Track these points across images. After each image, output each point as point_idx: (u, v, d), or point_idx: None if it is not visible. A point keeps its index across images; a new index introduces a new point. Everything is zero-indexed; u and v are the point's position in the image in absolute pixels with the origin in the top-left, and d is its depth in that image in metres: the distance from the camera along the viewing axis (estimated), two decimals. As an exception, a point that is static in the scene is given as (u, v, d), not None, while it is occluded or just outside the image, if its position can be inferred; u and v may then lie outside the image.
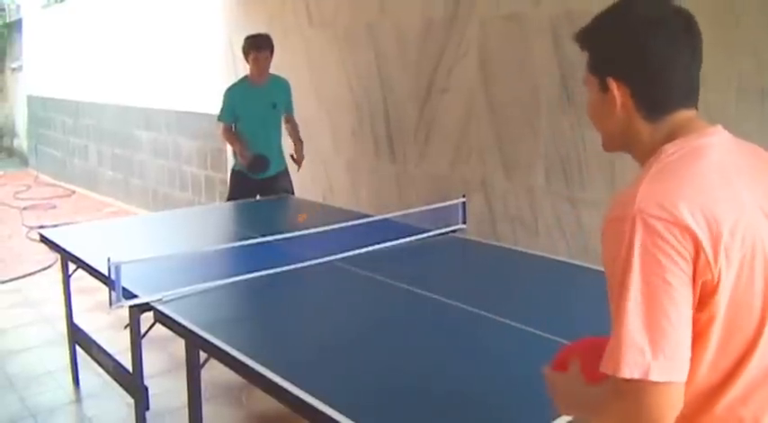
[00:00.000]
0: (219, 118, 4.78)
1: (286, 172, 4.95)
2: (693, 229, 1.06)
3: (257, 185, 4.73)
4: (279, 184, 4.83)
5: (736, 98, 2.99)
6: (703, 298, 1.09)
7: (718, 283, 1.08)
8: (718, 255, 1.07)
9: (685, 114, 1.23)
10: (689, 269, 1.07)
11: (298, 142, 4.88)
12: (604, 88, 1.28)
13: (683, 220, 1.07)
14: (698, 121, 1.24)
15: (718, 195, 1.11)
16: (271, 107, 4.76)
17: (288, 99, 4.94)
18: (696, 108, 1.26)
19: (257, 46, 4.68)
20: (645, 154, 1.24)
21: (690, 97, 1.25)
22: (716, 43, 3.07)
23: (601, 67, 1.30)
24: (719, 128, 1.24)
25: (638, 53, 1.21)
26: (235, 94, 4.74)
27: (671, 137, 1.20)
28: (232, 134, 4.76)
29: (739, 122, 3.09)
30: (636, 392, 1.07)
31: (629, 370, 1.06)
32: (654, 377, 1.05)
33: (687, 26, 1.23)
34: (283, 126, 4.97)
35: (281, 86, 4.90)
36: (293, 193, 4.90)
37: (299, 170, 4.88)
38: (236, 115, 4.72)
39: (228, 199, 4.87)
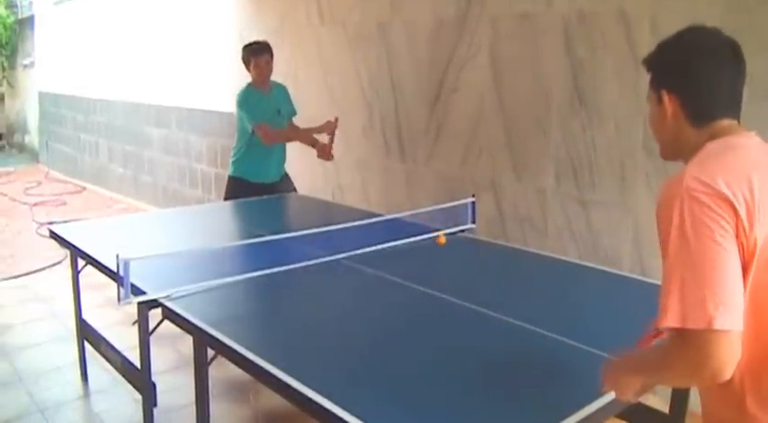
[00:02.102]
0: (254, 120, 4.55)
1: (288, 178, 4.91)
2: (731, 200, 1.26)
3: (258, 192, 4.61)
4: (283, 188, 4.79)
5: (746, 98, 2.96)
6: (744, 264, 1.27)
7: (754, 249, 1.27)
8: (753, 225, 1.26)
9: (727, 122, 1.46)
10: (733, 232, 1.26)
11: (331, 129, 4.71)
12: (660, 101, 1.49)
13: (722, 193, 1.27)
14: (738, 127, 1.48)
15: (751, 178, 1.30)
16: (276, 114, 4.73)
17: (290, 104, 4.92)
18: (738, 118, 1.49)
19: (256, 51, 4.65)
20: (689, 157, 1.43)
21: (732, 108, 1.49)
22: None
23: (657, 83, 1.51)
24: (754, 133, 1.49)
25: (684, 70, 1.46)
26: (251, 97, 4.62)
27: (713, 138, 1.42)
28: (280, 129, 4.68)
29: (749, 123, 3.07)
30: (700, 342, 1.21)
31: (694, 321, 1.21)
32: (717, 326, 1.19)
33: (733, 51, 1.49)
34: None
35: (282, 92, 4.89)
36: None
37: (329, 159, 4.75)
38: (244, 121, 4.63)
39: None
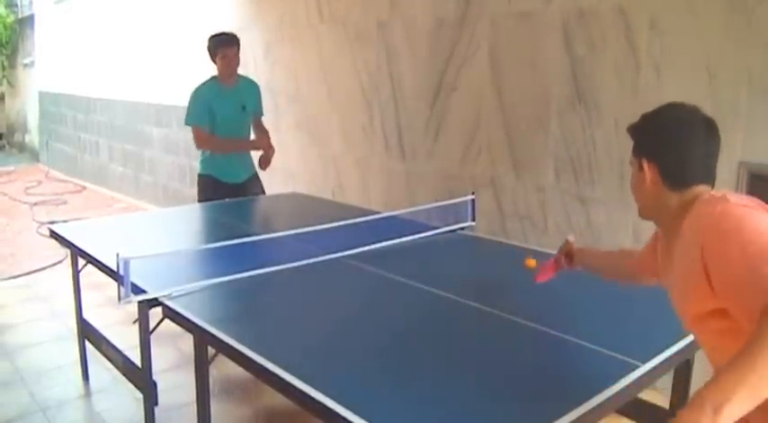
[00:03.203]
0: (189, 121, 4.42)
1: (257, 177, 4.72)
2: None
3: (227, 191, 4.50)
4: (249, 190, 4.62)
5: (747, 95, 2.97)
6: None
7: None
8: None
9: (703, 188, 1.59)
10: None
11: (269, 148, 4.59)
12: (641, 167, 1.64)
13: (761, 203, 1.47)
14: (712, 191, 1.58)
15: None
16: (241, 109, 4.52)
17: (258, 101, 4.71)
18: (713, 185, 1.61)
19: (225, 42, 4.39)
20: (670, 216, 1.61)
21: (707, 177, 1.61)
22: (727, 40, 3.06)
23: (638, 151, 1.66)
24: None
25: (663, 140, 1.60)
26: (206, 94, 4.43)
27: (691, 202, 1.55)
28: (211, 136, 4.43)
29: (749, 119, 3.08)
30: None
31: None
32: None
33: (708, 127, 1.59)
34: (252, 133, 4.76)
35: (251, 88, 4.67)
36: None
37: (264, 169, 4.61)
38: (211, 117, 4.41)
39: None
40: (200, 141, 4.46)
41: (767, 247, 1.33)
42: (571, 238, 2.28)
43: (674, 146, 1.59)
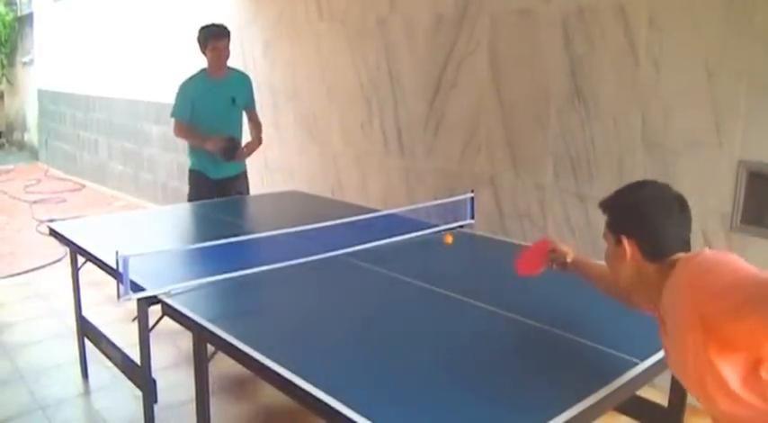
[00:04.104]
0: (173, 114, 4.50)
1: (245, 174, 4.73)
2: None
3: (216, 186, 4.52)
4: (237, 186, 4.64)
5: (746, 92, 2.97)
6: None
7: None
8: None
9: (680, 254, 1.66)
10: None
11: (256, 140, 4.65)
12: (618, 242, 1.72)
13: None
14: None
15: None
16: (230, 102, 4.50)
17: (249, 94, 4.68)
18: (688, 250, 1.69)
19: (216, 34, 4.35)
20: (651, 286, 1.68)
21: (683, 246, 1.68)
22: (726, 37, 3.06)
23: (616, 228, 1.73)
24: None
25: (639, 217, 1.69)
26: (192, 88, 4.44)
27: (671, 266, 1.62)
28: (188, 129, 4.49)
29: (748, 117, 3.08)
30: None
31: None
32: None
33: (681, 204, 1.69)
34: (246, 125, 4.75)
35: (242, 80, 4.65)
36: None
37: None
38: (194, 111, 4.44)
39: (190, 201, 4.58)
40: (175, 131, 4.58)
41: (750, 276, 1.45)
42: (569, 255, 2.25)
43: (651, 223, 1.67)
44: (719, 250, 1.63)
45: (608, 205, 1.78)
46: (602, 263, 1.89)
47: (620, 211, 1.74)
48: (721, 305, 1.44)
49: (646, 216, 1.68)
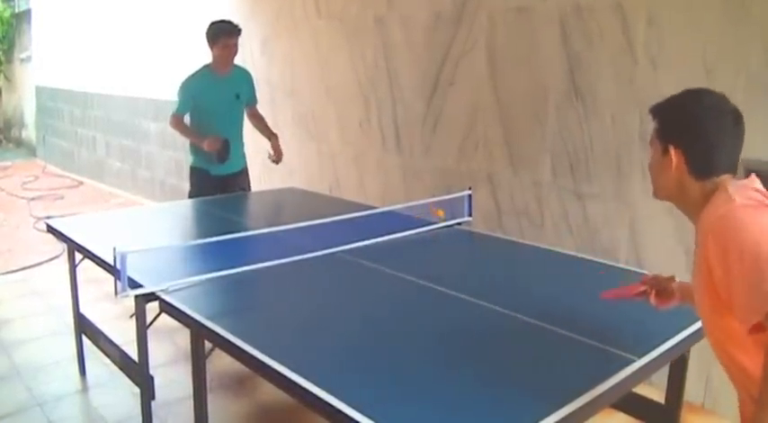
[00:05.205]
0: (177, 111, 4.46)
1: (246, 171, 4.73)
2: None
3: (218, 183, 4.50)
4: (239, 183, 4.63)
5: (744, 91, 2.97)
6: None
7: None
8: None
9: (726, 177, 1.60)
10: None
11: (272, 137, 4.65)
12: (665, 152, 1.63)
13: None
14: (730, 184, 1.58)
15: None
16: (234, 98, 4.51)
17: (251, 90, 4.68)
18: (735, 174, 1.63)
19: (229, 32, 4.33)
20: (691, 204, 1.62)
21: (731, 167, 1.61)
22: (724, 34, 3.06)
23: (665, 136, 1.64)
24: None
25: (693, 130, 1.59)
26: (194, 85, 4.41)
27: (712, 192, 1.56)
28: (185, 125, 4.51)
29: (746, 115, 3.07)
30: None
31: None
32: None
33: (736, 119, 1.60)
34: (248, 121, 4.74)
35: (244, 77, 4.64)
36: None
37: (277, 163, 4.63)
38: (196, 107, 4.43)
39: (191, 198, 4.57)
40: (171, 123, 4.54)
41: (763, 258, 1.37)
42: (675, 280, 1.99)
43: (704, 136, 1.58)
44: (751, 198, 1.51)
45: (660, 110, 1.68)
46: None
47: (673, 119, 1.64)
48: (725, 286, 1.44)
49: (700, 128, 1.58)
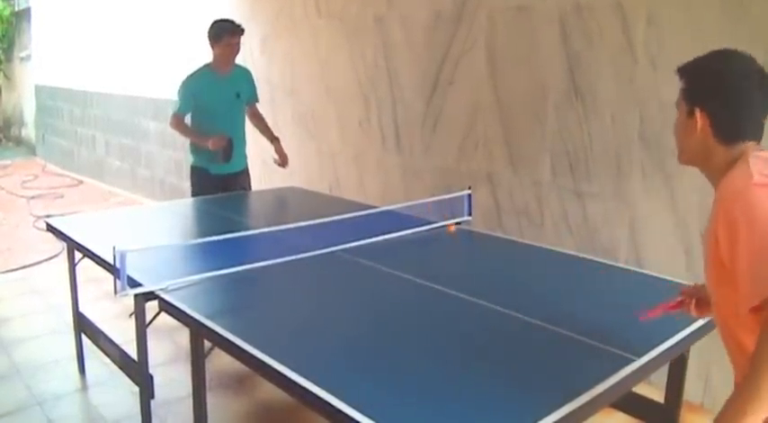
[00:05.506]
0: (178, 111, 4.46)
1: (247, 170, 4.71)
2: None
3: (219, 182, 4.47)
4: (240, 182, 4.62)
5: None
6: None
7: None
8: None
9: (751, 144, 1.56)
10: None
11: (275, 140, 4.67)
12: (691, 114, 1.60)
13: None
14: (758, 148, 1.57)
15: None
16: (235, 97, 4.49)
17: (252, 88, 4.67)
18: (760, 140, 1.58)
19: (232, 30, 4.32)
20: (715, 169, 1.59)
21: (757, 133, 1.57)
22: (723, 34, 3.06)
23: (692, 98, 1.60)
24: None
25: (721, 92, 1.55)
26: (194, 84, 4.40)
27: (737, 158, 1.53)
28: (186, 125, 4.52)
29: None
30: None
31: None
32: None
33: (763, 79, 1.56)
34: (248, 121, 4.72)
35: (244, 75, 4.64)
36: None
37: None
38: (197, 106, 4.41)
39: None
40: (171, 124, 4.55)
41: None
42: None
43: (732, 100, 1.55)
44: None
45: (687, 70, 1.65)
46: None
47: (701, 80, 1.61)
48: (730, 263, 1.43)
49: (728, 90, 1.55)
